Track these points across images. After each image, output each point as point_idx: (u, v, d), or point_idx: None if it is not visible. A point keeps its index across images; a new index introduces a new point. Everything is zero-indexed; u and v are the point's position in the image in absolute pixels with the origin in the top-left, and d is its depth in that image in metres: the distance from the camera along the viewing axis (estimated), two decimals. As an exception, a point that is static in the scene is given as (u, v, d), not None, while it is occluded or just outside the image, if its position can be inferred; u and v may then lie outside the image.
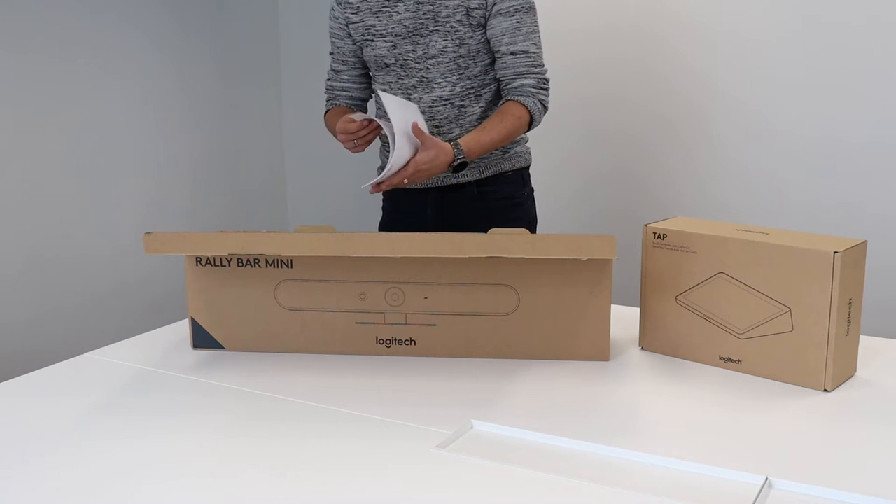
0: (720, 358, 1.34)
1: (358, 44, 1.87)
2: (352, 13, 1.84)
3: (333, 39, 1.92)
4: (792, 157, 2.44)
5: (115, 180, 2.93)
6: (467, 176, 1.88)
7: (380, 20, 1.81)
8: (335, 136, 1.92)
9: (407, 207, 1.95)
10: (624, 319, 1.51)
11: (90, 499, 0.95)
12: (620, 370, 1.35)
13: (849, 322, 1.25)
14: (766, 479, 0.98)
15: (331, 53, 1.95)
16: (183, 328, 1.55)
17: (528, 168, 1.98)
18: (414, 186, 1.90)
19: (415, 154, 1.65)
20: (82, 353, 1.45)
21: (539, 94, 1.80)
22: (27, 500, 0.95)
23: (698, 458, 1.03)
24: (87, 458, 1.05)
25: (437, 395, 1.25)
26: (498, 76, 1.83)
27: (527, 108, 1.78)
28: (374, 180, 1.69)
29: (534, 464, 1.03)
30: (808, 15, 2.35)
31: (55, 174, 2.73)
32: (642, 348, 1.43)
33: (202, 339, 1.44)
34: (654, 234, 1.37)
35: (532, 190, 2.01)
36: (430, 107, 1.83)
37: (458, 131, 1.84)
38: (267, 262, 1.40)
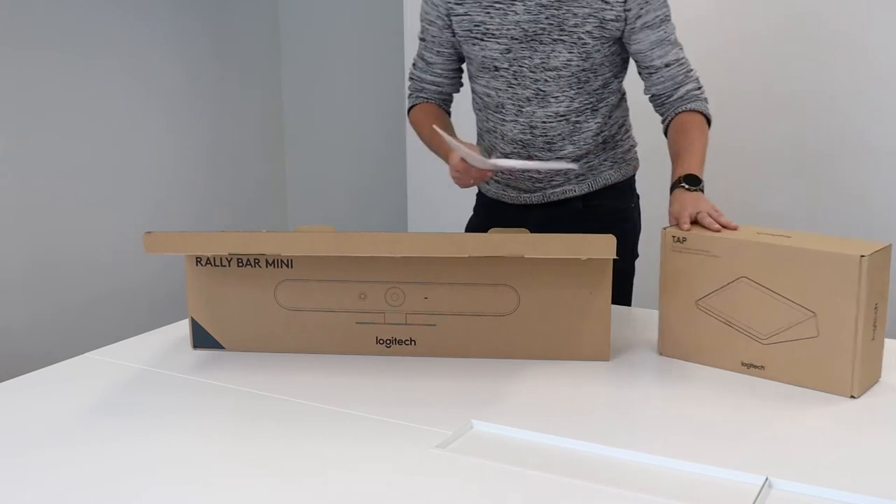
0: (742, 364, 1.31)
1: (460, 38, 1.68)
2: (456, 3, 1.65)
3: (428, 27, 1.72)
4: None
5: (115, 181, 2.93)
6: (574, 190, 1.75)
7: (492, 17, 1.63)
8: (419, 135, 1.77)
9: (503, 223, 1.78)
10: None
11: (90, 499, 0.95)
12: (620, 370, 1.34)
13: (875, 326, 1.23)
14: (766, 479, 0.98)
15: (421, 40, 1.75)
16: (183, 328, 1.55)
17: (634, 175, 1.85)
18: (513, 201, 1.79)
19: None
20: (82, 353, 1.45)
21: (703, 94, 1.68)
22: (27, 500, 0.95)
23: (698, 458, 1.03)
24: (87, 458, 1.05)
25: (437, 395, 1.25)
26: (653, 91, 1.69)
27: (702, 113, 1.66)
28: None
29: (534, 464, 1.03)
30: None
31: (55, 176, 2.73)
32: (661, 354, 1.40)
33: (202, 339, 1.44)
34: (674, 237, 1.35)
35: (638, 198, 1.87)
36: (544, 122, 1.68)
37: (570, 148, 1.70)
38: (267, 262, 1.40)
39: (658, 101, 1.70)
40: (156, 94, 3.04)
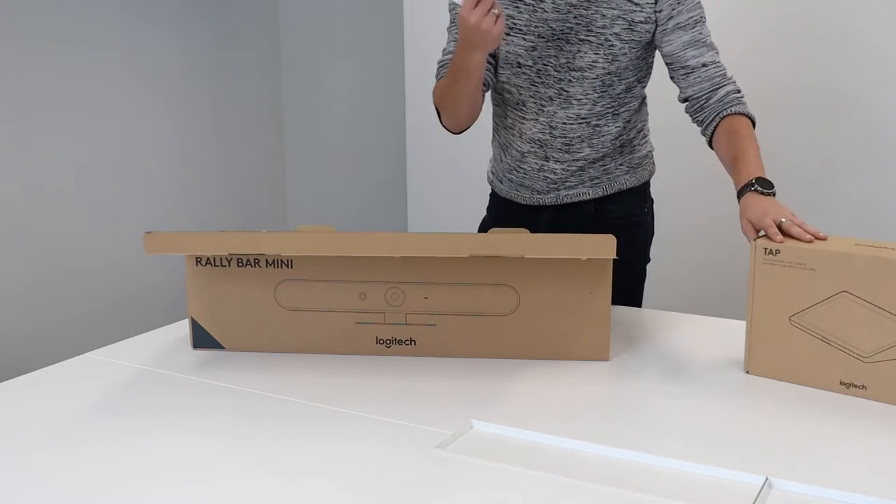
0: (841, 383, 1.24)
1: None
2: None
3: (457, 16, 1.67)
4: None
5: (115, 182, 2.93)
6: (588, 193, 1.73)
7: (520, 13, 1.60)
8: (442, 102, 1.69)
9: (516, 222, 1.75)
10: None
11: (90, 499, 0.95)
12: (620, 370, 1.35)
13: None
14: (766, 479, 0.98)
15: (450, 29, 1.72)
16: (183, 328, 1.55)
17: (649, 180, 1.82)
18: (526, 202, 1.76)
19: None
20: (82, 352, 1.45)
21: (743, 98, 1.61)
22: (27, 500, 0.95)
23: (698, 458, 1.03)
24: (87, 458, 1.05)
25: (437, 395, 1.25)
26: (689, 93, 1.62)
27: (748, 116, 1.59)
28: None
29: (534, 464, 1.03)
30: None
31: (55, 177, 2.73)
32: (748, 372, 1.33)
33: (202, 339, 1.44)
34: (766, 249, 1.27)
35: (652, 202, 1.84)
36: (564, 123, 1.65)
37: (588, 150, 1.68)
38: (267, 262, 1.40)
39: (696, 105, 1.62)
40: (156, 95, 3.04)
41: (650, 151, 1.81)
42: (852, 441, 1.09)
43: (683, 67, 1.60)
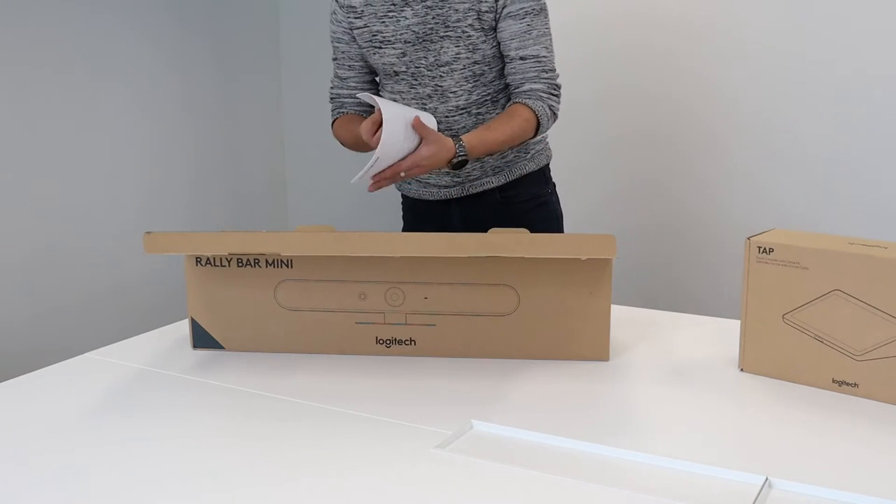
0: (833, 381, 1.24)
1: (364, 49, 1.79)
2: (355, 17, 1.75)
3: (336, 45, 1.83)
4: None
5: (115, 180, 2.93)
6: (492, 182, 1.83)
7: (387, 25, 1.72)
8: (344, 144, 1.85)
9: (430, 219, 1.88)
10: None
11: (90, 499, 0.95)
12: (620, 370, 1.35)
13: None
14: (766, 479, 0.98)
15: (334, 59, 1.86)
16: (183, 328, 1.55)
17: (548, 164, 1.93)
18: (434, 197, 1.87)
19: (415, 148, 1.58)
20: (82, 353, 1.45)
21: (549, 99, 1.72)
22: (26, 500, 0.95)
23: (698, 458, 1.03)
24: (87, 458, 1.05)
25: (437, 395, 1.25)
26: (507, 81, 1.76)
27: (534, 111, 1.69)
28: (366, 171, 1.58)
29: (534, 464, 1.03)
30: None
31: (55, 173, 2.73)
32: (742, 370, 1.35)
33: (202, 339, 1.44)
34: (759, 248, 1.28)
35: (554, 185, 1.95)
36: (447, 117, 1.76)
37: None
38: (267, 262, 1.40)
39: (510, 92, 1.76)
40: (155, 92, 3.04)
41: (544, 137, 1.90)
42: (849, 440, 1.09)
43: (506, 56, 1.73)
